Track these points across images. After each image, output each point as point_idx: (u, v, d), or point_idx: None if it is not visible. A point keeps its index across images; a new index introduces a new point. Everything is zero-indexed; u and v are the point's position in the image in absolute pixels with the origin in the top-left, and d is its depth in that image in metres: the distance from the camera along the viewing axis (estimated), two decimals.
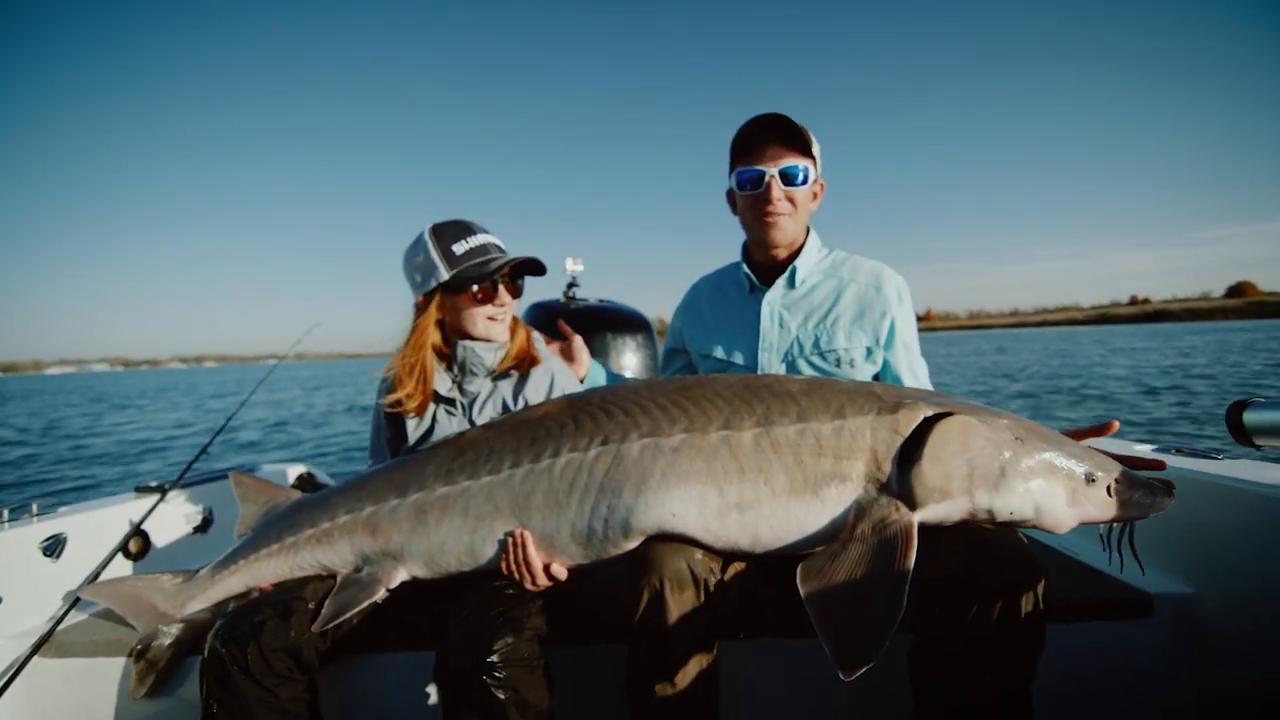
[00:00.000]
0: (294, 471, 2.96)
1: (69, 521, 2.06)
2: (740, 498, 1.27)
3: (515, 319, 1.87)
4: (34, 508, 2.03)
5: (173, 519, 2.37)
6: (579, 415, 1.45)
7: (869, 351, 1.74)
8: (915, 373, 1.78)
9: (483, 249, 1.72)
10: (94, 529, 2.10)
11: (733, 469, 1.29)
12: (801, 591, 1.13)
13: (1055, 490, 1.23)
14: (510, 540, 1.40)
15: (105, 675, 1.70)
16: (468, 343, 1.75)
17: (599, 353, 3.57)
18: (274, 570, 1.61)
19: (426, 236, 1.73)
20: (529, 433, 1.47)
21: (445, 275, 1.70)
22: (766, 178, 1.68)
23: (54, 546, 1.95)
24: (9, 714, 1.69)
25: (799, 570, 1.18)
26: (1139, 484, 1.24)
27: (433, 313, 1.75)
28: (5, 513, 1.96)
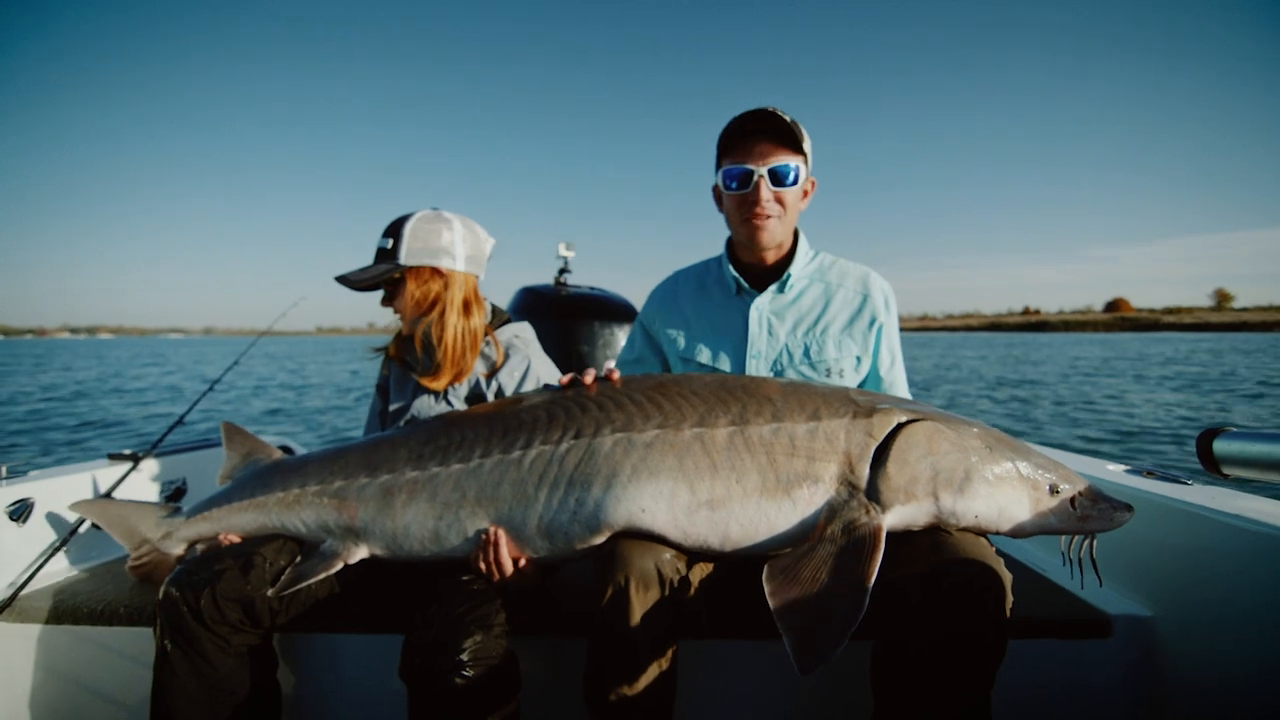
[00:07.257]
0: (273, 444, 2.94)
1: (39, 486, 2.03)
2: (712, 495, 1.27)
3: (487, 339, 1.76)
4: (3, 470, 2.01)
5: (146, 487, 2.36)
6: (553, 408, 1.44)
7: (858, 360, 1.73)
8: (895, 380, 1.78)
9: (377, 253, 1.72)
10: (64, 494, 2.08)
11: (705, 466, 1.29)
12: (766, 587, 1.13)
13: (1020, 497, 1.27)
14: (484, 538, 1.38)
15: (65, 641, 1.70)
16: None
17: (587, 340, 3.54)
18: (242, 524, 1.62)
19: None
20: (501, 423, 1.46)
21: None
22: (755, 177, 1.61)
23: (20, 510, 1.93)
24: None
25: (765, 567, 1.17)
26: (1100, 499, 1.29)
27: None
28: None
